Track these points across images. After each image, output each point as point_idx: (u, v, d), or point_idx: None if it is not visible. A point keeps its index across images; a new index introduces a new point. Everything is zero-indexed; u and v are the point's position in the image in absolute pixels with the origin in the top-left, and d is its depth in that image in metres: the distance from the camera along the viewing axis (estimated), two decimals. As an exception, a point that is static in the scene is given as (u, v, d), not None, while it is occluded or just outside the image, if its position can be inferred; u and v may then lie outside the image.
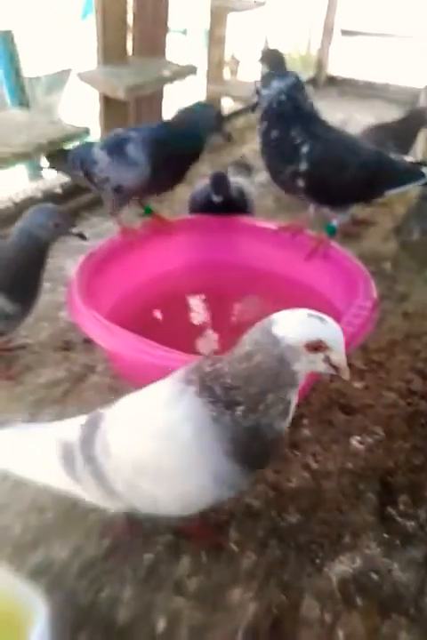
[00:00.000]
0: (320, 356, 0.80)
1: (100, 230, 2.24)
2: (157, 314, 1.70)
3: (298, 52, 4.58)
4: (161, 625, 1.00)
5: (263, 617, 1.02)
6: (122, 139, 1.53)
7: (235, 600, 1.04)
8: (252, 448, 0.83)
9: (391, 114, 3.07)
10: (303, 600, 1.04)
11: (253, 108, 1.63)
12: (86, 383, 1.51)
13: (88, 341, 1.58)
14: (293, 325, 0.79)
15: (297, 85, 1.52)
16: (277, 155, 1.54)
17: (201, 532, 1.12)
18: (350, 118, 3.48)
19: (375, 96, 4.19)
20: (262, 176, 2.27)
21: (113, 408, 0.95)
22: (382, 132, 2.31)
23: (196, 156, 1.53)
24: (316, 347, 0.79)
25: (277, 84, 1.51)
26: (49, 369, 1.54)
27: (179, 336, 1.54)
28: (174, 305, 1.72)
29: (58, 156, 1.79)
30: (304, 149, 1.48)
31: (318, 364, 0.81)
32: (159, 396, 0.88)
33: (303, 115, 1.52)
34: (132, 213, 1.93)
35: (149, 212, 1.73)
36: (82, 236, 1.41)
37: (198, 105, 1.58)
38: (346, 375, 0.82)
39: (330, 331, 0.80)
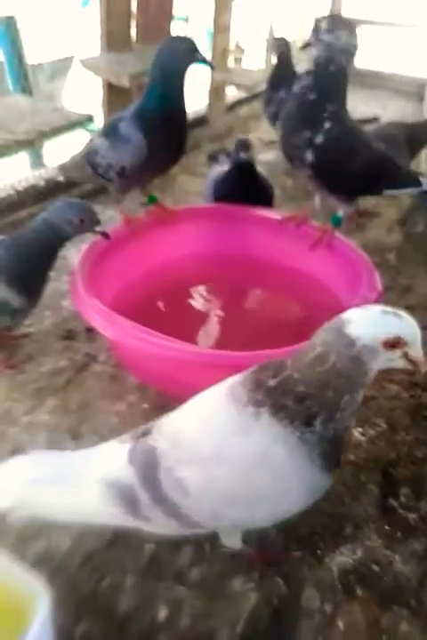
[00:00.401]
0: (398, 352, 0.79)
1: (103, 219, 2.20)
2: (160, 303, 1.70)
3: (303, 40, 4.53)
4: (162, 614, 1.00)
5: (264, 606, 1.02)
6: (115, 120, 1.55)
7: (236, 590, 1.04)
8: (336, 455, 0.84)
9: (397, 104, 3.06)
10: (304, 590, 1.04)
11: (305, 46, 1.54)
12: (88, 372, 1.51)
13: (90, 330, 1.57)
14: (368, 324, 0.78)
15: (355, 51, 1.42)
16: (301, 116, 1.49)
17: (263, 555, 1.09)
18: (354, 108, 3.44)
19: (381, 86, 4.15)
20: (264, 166, 2.25)
21: (160, 438, 0.89)
22: (396, 128, 2.29)
23: (183, 114, 1.52)
24: (393, 344, 0.78)
25: (346, 39, 1.38)
26: (51, 358, 1.53)
27: (181, 326, 1.54)
28: (177, 295, 1.72)
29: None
30: (327, 125, 1.46)
31: (396, 361, 0.80)
32: (226, 422, 0.84)
33: (343, 91, 1.50)
34: (135, 203, 1.92)
35: (152, 200, 1.72)
36: (105, 235, 1.40)
37: (165, 42, 1.51)
38: (425, 367, 0.81)
39: (407, 326, 0.79)
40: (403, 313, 0.80)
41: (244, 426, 0.82)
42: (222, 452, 0.83)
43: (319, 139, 1.47)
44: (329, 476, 0.85)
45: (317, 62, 1.43)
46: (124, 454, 0.90)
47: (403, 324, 0.79)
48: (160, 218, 1.71)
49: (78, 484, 0.91)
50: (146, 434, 0.92)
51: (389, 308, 0.80)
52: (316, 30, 1.43)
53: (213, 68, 1.64)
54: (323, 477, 0.83)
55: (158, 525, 0.91)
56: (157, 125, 1.46)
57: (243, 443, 0.82)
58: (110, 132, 1.55)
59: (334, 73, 1.43)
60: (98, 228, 1.37)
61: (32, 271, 1.33)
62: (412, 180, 1.62)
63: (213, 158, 2.18)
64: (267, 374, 0.83)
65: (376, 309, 0.79)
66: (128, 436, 0.95)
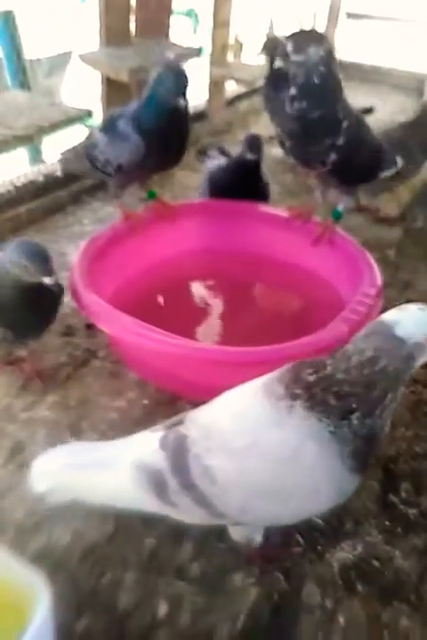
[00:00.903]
0: None
1: (102, 215, 2.23)
2: (160, 299, 1.70)
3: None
4: (163, 609, 1.00)
5: (265, 602, 1.02)
6: (115, 116, 1.54)
7: (236, 585, 1.04)
8: (370, 454, 0.85)
9: (396, 99, 3.05)
10: (304, 586, 1.04)
11: (269, 76, 1.58)
12: (88, 368, 1.51)
13: (90, 326, 1.57)
14: (415, 323, 0.81)
15: (332, 53, 1.37)
16: (316, 129, 1.41)
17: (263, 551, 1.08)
18: (354, 103, 3.44)
19: (381, 81, 4.13)
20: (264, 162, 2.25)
21: (192, 427, 0.91)
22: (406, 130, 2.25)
23: (185, 123, 1.51)
24: None
25: (315, 51, 1.31)
26: (51, 354, 1.53)
27: (181, 321, 1.54)
28: (177, 290, 1.72)
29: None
30: (345, 124, 1.44)
31: None
32: (259, 414, 0.85)
33: (340, 88, 1.46)
34: (135, 198, 1.91)
35: (152, 196, 1.72)
36: (56, 287, 1.24)
37: (160, 70, 1.48)
38: None
39: None
40: None
41: (277, 419, 0.83)
42: (254, 445, 0.84)
43: (341, 140, 1.44)
44: (358, 477, 0.85)
45: (298, 83, 1.35)
46: (155, 441, 0.92)
47: None
48: (160, 213, 1.71)
49: (111, 467, 0.93)
50: (178, 423, 0.94)
51: (423, 305, 0.84)
52: (284, 54, 1.36)
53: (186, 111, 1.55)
54: (352, 479, 0.84)
55: (185, 513, 0.92)
56: (154, 130, 1.46)
57: (275, 436, 0.83)
58: (109, 127, 1.54)
59: (319, 84, 1.35)
60: (46, 280, 1.18)
61: (8, 307, 1.24)
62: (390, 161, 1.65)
63: (202, 153, 2.15)
64: (306, 370, 0.84)
65: (415, 308, 0.83)
66: (161, 425, 0.97)
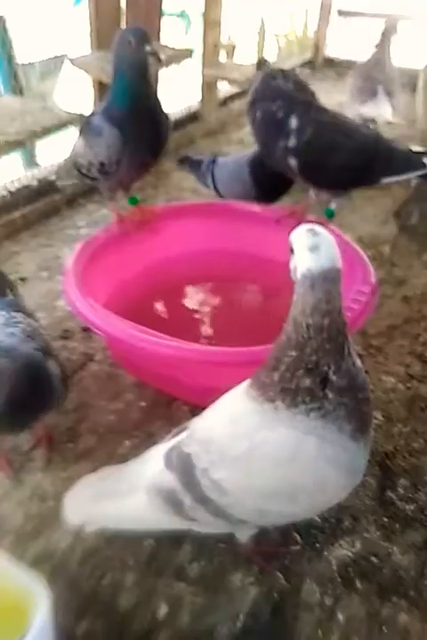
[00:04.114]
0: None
1: (97, 217, 2.23)
2: (155, 301, 1.69)
3: (295, 33, 4.52)
4: (163, 610, 1.00)
5: (264, 601, 1.02)
6: (88, 117, 1.54)
7: (236, 584, 1.04)
8: (363, 404, 0.84)
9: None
10: (304, 584, 1.05)
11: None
12: (85, 371, 1.51)
13: (86, 330, 1.57)
14: (329, 251, 0.80)
15: (270, 73, 1.57)
16: (265, 131, 1.55)
17: (262, 549, 1.10)
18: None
19: (373, 77, 4.13)
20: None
21: (192, 443, 0.92)
22: None
23: (156, 110, 1.49)
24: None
25: (257, 76, 1.60)
26: (47, 358, 1.53)
27: (176, 323, 1.54)
28: (172, 293, 1.71)
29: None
30: (292, 124, 1.48)
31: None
32: (250, 418, 0.86)
33: (284, 94, 1.52)
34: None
35: (134, 202, 1.70)
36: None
37: (117, 34, 1.45)
38: None
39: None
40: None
41: (266, 422, 0.83)
42: (252, 449, 0.84)
43: (292, 141, 1.48)
44: (365, 439, 0.84)
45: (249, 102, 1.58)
46: (160, 460, 0.94)
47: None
48: (141, 219, 1.68)
49: (131, 493, 0.95)
50: (180, 433, 0.96)
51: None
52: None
53: (160, 61, 1.56)
54: (358, 447, 0.83)
55: (207, 524, 0.93)
56: (127, 120, 1.43)
57: (270, 438, 0.83)
58: (85, 128, 1.53)
59: (258, 92, 1.56)
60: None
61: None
62: (414, 163, 1.53)
63: (183, 162, 2.12)
64: (264, 373, 0.84)
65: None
66: (169, 435, 1.00)
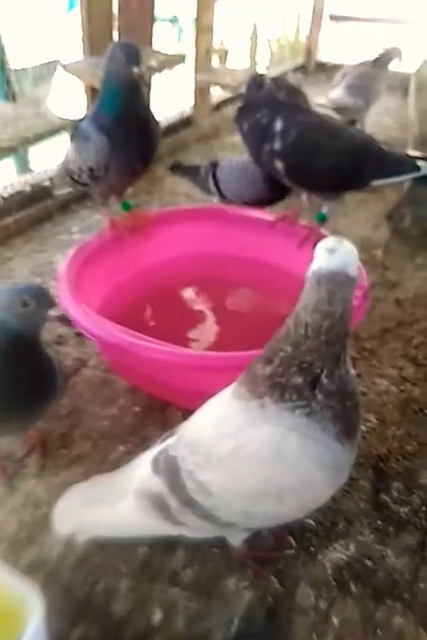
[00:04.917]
0: None
1: (90, 223, 2.23)
2: (148, 306, 1.70)
3: (287, 38, 4.55)
4: (157, 616, 1.00)
5: (259, 605, 1.02)
6: (77, 123, 1.54)
7: (230, 589, 1.04)
8: (352, 410, 0.84)
9: (380, 99, 3.07)
10: (298, 588, 1.05)
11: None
12: (79, 377, 1.51)
13: (79, 335, 1.57)
14: (349, 260, 0.81)
15: (255, 80, 1.60)
16: (252, 136, 1.57)
17: (255, 554, 1.09)
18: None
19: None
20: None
21: (179, 446, 0.92)
22: None
23: (145, 118, 1.48)
24: None
25: (243, 87, 1.62)
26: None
27: (169, 328, 1.54)
28: (165, 297, 1.71)
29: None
30: (277, 127, 1.48)
31: None
32: (235, 418, 0.86)
33: (270, 100, 1.53)
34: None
35: (126, 207, 1.70)
36: (64, 321, 1.11)
37: (109, 47, 1.45)
38: None
39: None
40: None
41: (252, 420, 0.84)
42: (237, 449, 0.84)
43: (278, 144, 1.49)
44: (351, 444, 0.84)
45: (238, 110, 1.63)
46: (148, 465, 0.95)
47: None
48: (134, 225, 1.67)
49: (119, 499, 0.95)
50: (169, 438, 0.96)
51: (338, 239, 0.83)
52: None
53: (147, 85, 1.57)
54: (342, 449, 0.83)
55: (195, 529, 0.93)
56: (115, 127, 1.43)
57: (255, 437, 0.83)
58: (74, 134, 1.53)
59: (246, 100, 1.59)
60: (53, 313, 1.03)
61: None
62: (407, 165, 1.52)
63: (175, 169, 2.12)
64: (258, 365, 0.85)
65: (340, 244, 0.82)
66: (158, 440, 1.00)
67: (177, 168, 2.06)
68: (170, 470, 0.91)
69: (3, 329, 1.01)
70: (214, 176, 1.90)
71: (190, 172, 2.02)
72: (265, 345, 0.86)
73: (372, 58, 2.96)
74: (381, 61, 2.95)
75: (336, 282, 0.78)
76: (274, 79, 1.63)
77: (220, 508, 0.88)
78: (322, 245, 0.81)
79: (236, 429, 0.85)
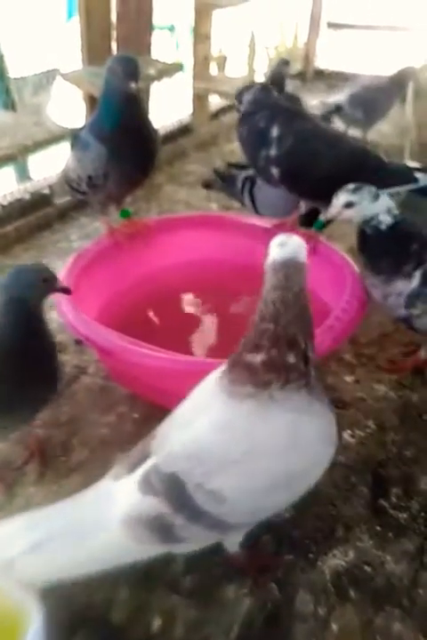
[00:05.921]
0: None
1: (89, 231, 2.24)
2: (147, 313, 1.70)
3: (285, 45, 4.57)
4: (156, 624, 1.00)
5: (258, 612, 1.02)
6: (76, 131, 1.55)
7: (230, 596, 1.04)
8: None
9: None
10: (297, 594, 1.05)
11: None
12: (78, 384, 1.51)
13: (79, 342, 1.58)
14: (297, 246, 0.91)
15: (261, 88, 1.60)
16: (249, 142, 1.57)
17: (255, 561, 1.09)
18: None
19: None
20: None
21: (178, 461, 0.89)
22: None
23: (142, 117, 1.49)
24: None
25: (246, 97, 1.59)
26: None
27: (168, 335, 1.54)
28: (164, 304, 1.72)
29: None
30: (274, 133, 1.49)
31: None
32: (244, 418, 0.87)
33: (271, 106, 1.54)
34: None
35: (126, 215, 1.71)
36: (66, 291, 1.21)
37: (109, 60, 1.47)
38: None
39: None
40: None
41: (264, 415, 0.86)
42: (255, 448, 0.86)
43: (274, 151, 1.49)
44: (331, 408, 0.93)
45: (239, 119, 1.61)
46: (134, 490, 0.89)
47: None
48: (134, 232, 1.68)
49: (93, 531, 0.89)
50: (144, 460, 0.91)
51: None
52: (236, 106, 1.65)
53: (143, 100, 1.57)
54: (334, 418, 0.92)
55: (195, 541, 0.93)
56: (113, 136, 1.45)
57: (270, 431, 0.86)
58: (73, 143, 1.55)
59: (249, 108, 1.56)
60: (59, 285, 1.16)
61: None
62: (404, 177, 1.53)
63: (209, 186, 2.17)
64: (249, 355, 0.88)
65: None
66: (121, 469, 0.94)
67: (211, 185, 2.13)
68: (170, 487, 0.87)
69: (24, 306, 1.08)
70: (251, 193, 1.92)
71: (226, 182, 2.07)
72: (241, 340, 0.91)
73: (389, 73, 2.94)
74: (396, 79, 2.92)
75: (291, 266, 0.88)
76: (270, 77, 1.63)
77: (230, 512, 0.88)
78: (274, 241, 0.91)
79: (250, 429, 0.87)
